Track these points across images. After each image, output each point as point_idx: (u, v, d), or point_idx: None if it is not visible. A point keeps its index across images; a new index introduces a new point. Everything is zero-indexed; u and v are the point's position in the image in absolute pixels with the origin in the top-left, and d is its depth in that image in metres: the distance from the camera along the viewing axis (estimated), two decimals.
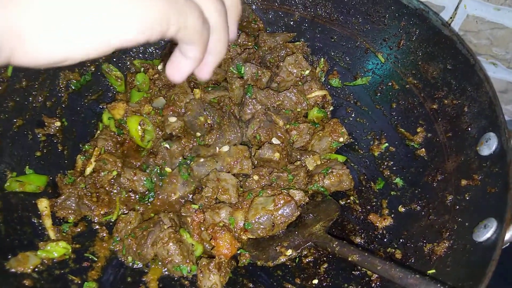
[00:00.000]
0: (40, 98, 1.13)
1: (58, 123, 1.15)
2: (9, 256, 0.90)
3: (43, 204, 1.03)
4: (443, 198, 0.95)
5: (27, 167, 1.06)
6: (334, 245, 0.89)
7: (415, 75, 1.14)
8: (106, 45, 0.48)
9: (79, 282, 0.95)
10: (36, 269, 0.92)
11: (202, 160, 1.15)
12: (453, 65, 1.04)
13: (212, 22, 0.58)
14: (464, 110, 0.99)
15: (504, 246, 0.74)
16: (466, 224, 0.85)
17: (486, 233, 0.77)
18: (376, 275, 0.95)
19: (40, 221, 1.02)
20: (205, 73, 0.66)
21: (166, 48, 1.34)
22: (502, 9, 1.22)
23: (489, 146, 0.89)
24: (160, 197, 1.15)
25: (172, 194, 1.15)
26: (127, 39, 0.48)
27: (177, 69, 0.61)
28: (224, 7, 0.59)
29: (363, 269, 0.98)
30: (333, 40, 1.31)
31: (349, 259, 0.84)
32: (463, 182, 0.92)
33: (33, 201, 1.03)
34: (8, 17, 0.43)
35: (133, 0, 0.47)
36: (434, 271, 0.85)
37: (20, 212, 0.99)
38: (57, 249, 0.97)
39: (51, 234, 1.01)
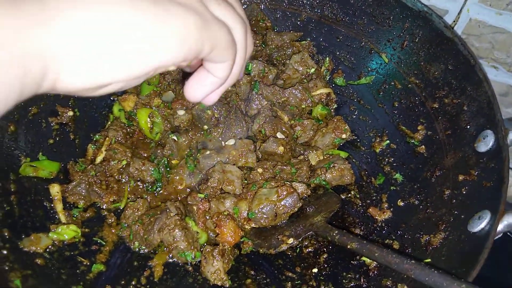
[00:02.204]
0: None
1: (70, 113, 1.19)
2: (23, 236, 0.93)
3: (55, 189, 1.07)
4: (441, 192, 0.98)
5: (40, 153, 1.10)
6: (334, 234, 0.93)
7: (417, 75, 1.18)
8: (149, 68, 0.48)
9: (88, 264, 0.99)
10: (48, 250, 0.96)
11: (208, 152, 1.19)
12: (454, 66, 1.08)
13: (234, 36, 0.57)
14: (463, 109, 1.03)
15: (496, 237, 0.77)
16: (462, 216, 0.88)
17: (480, 224, 0.80)
18: (374, 264, 0.98)
19: (52, 205, 1.05)
20: (213, 98, 0.65)
21: None
22: (504, 13, 1.25)
23: (486, 143, 0.92)
24: (167, 187, 1.19)
25: (179, 185, 1.19)
26: (168, 61, 0.48)
27: (201, 87, 0.60)
28: (244, 23, 0.59)
29: (361, 259, 1.01)
30: (338, 40, 1.35)
31: (348, 246, 0.87)
32: (461, 177, 0.95)
33: (46, 186, 1.07)
34: (47, 43, 0.42)
35: (172, 20, 0.47)
36: (429, 260, 0.88)
37: (33, 196, 1.03)
38: (67, 232, 1.00)
39: (62, 217, 1.04)
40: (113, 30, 0.44)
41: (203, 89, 0.60)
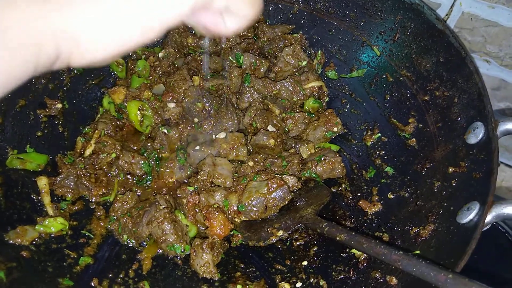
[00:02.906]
0: (43, 80, 1.15)
1: (59, 105, 1.18)
2: (8, 229, 0.92)
3: (43, 182, 1.06)
4: (431, 185, 0.98)
5: (28, 146, 1.09)
6: (323, 226, 0.92)
7: (408, 67, 1.17)
8: (163, 22, 0.49)
9: (75, 256, 0.98)
10: (34, 242, 0.95)
11: (198, 145, 1.18)
12: (445, 58, 1.07)
13: None
14: (454, 101, 1.02)
15: (485, 228, 0.77)
16: (451, 208, 0.88)
17: (468, 215, 0.80)
18: (363, 257, 0.98)
19: (39, 197, 1.04)
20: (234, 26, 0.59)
21: (167, 36, 1.37)
22: (496, 7, 1.25)
23: (476, 134, 0.91)
24: (157, 180, 1.18)
25: (169, 178, 1.18)
26: (181, 13, 0.49)
27: (220, 25, 0.56)
28: None
29: (350, 251, 1.01)
30: (330, 33, 1.34)
31: (337, 238, 0.87)
32: (451, 169, 0.95)
33: (33, 179, 1.06)
34: (64, 20, 0.45)
35: None
36: (419, 252, 0.88)
37: (20, 188, 1.02)
38: (54, 225, 1.00)
39: (50, 210, 1.03)
40: None
41: (224, 27, 0.57)
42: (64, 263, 0.95)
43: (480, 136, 0.90)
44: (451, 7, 1.32)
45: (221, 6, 0.53)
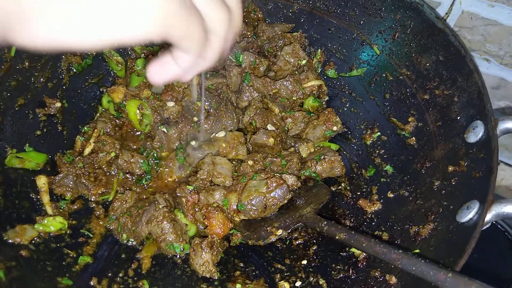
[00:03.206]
0: (42, 79, 1.15)
1: (58, 104, 1.18)
2: (8, 228, 0.92)
3: (42, 181, 1.06)
4: (431, 183, 0.97)
5: (27, 144, 1.09)
6: (322, 225, 0.92)
7: (408, 66, 1.17)
8: (110, 39, 0.45)
9: (75, 256, 0.98)
10: (33, 241, 0.95)
11: (198, 144, 1.18)
12: (445, 57, 1.07)
13: (212, 30, 0.55)
14: (454, 100, 1.02)
15: (484, 227, 0.77)
16: (451, 207, 0.88)
17: (468, 214, 0.80)
18: (363, 256, 0.97)
19: (38, 197, 1.04)
20: (187, 77, 0.61)
21: None
22: (496, 5, 1.25)
23: (476, 133, 0.91)
24: (157, 180, 1.18)
25: (168, 177, 1.18)
26: (134, 35, 0.45)
27: (162, 72, 0.58)
28: (229, 16, 0.56)
29: (350, 250, 1.01)
30: (330, 32, 1.33)
31: (337, 237, 0.86)
32: (450, 168, 0.94)
33: (32, 178, 1.05)
34: None
35: None
36: (418, 251, 0.88)
37: (19, 187, 1.02)
38: (53, 224, 0.99)
39: (49, 209, 1.03)
40: None
41: (163, 76, 0.58)
42: (63, 262, 0.95)
43: (480, 135, 0.90)
44: (451, 5, 1.31)
45: (173, 41, 0.50)
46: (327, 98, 1.32)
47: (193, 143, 1.19)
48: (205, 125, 1.21)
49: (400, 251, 0.74)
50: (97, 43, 0.45)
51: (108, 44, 0.46)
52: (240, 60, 1.30)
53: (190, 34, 0.50)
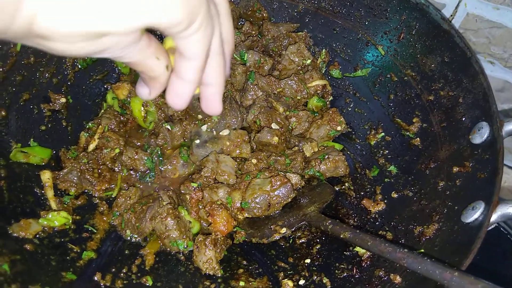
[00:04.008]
0: (47, 74, 1.15)
1: (63, 100, 1.17)
2: (12, 222, 0.92)
3: (46, 176, 1.06)
4: (435, 184, 0.98)
5: (32, 139, 1.08)
6: (327, 224, 0.92)
7: (413, 67, 1.17)
8: (140, 23, 0.46)
9: (78, 251, 0.98)
10: (37, 236, 0.94)
11: (202, 143, 1.18)
12: (450, 58, 1.07)
13: (212, 47, 0.57)
14: (459, 101, 1.02)
15: (490, 228, 0.77)
16: (456, 207, 0.88)
17: (473, 214, 0.80)
18: (367, 255, 0.98)
19: (42, 191, 1.04)
20: (214, 107, 0.63)
21: None
22: (502, 8, 1.25)
23: (481, 134, 0.92)
24: (160, 177, 1.18)
25: (172, 175, 1.18)
26: (163, 21, 0.46)
27: (177, 94, 0.59)
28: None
29: (354, 249, 1.01)
30: (335, 32, 1.34)
31: (341, 236, 0.87)
32: (455, 169, 0.95)
33: (37, 172, 1.05)
34: None
35: None
36: (422, 250, 0.88)
37: (23, 182, 1.01)
38: (58, 218, 0.99)
39: (53, 204, 1.03)
40: None
41: (180, 95, 0.59)
42: (67, 257, 0.95)
43: (485, 136, 0.90)
44: (456, 8, 1.32)
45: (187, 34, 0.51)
46: (331, 98, 1.33)
47: (197, 141, 1.19)
48: (209, 123, 1.21)
49: (405, 250, 0.74)
50: (121, 29, 0.45)
51: (133, 29, 0.46)
52: (245, 59, 1.30)
53: (203, 30, 0.52)
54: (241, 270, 1.02)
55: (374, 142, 1.22)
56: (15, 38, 0.43)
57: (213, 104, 0.64)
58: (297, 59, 1.30)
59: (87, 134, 1.18)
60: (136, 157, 1.16)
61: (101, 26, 0.44)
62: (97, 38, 0.46)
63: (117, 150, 1.16)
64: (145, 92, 0.61)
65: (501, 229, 1.23)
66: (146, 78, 0.59)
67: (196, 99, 1.21)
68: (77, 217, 1.05)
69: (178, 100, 0.59)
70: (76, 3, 0.41)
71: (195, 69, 0.56)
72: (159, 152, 1.19)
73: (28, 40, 0.44)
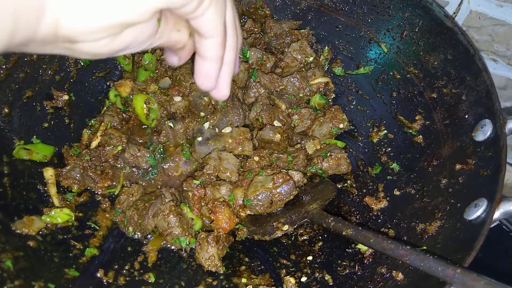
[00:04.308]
0: (50, 71, 1.15)
1: (66, 97, 1.18)
2: (15, 218, 0.92)
3: (49, 173, 1.06)
4: (438, 181, 0.98)
5: (35, 136, 1.09)
6: (329, 221, 0.92)
7: (416, 65, 1.17)
8: (156, 5, 0.47)
9: (81, 247, 0.98)
10: (40, 233, 0.95)
11: (204, 140, 1.18)
12: (453, 55, 1.07)
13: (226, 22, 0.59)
14: (462, 99, 1.02)
15: (492, 225, 0.77)
16: (458, 205, 0.88)
17: (476, 211, 0.80)
18: (369, 252, 0.98)
19: (45, 188, 1.04)
20: (224, 90, 0.64)
21: None
22: (505, 5, 1.25)
23: (484, 132, 0.91)
24: (163, 174, 1.18)
25: (174, 172, 1.18)
26: (176, 1, 0.48)
27: (205, 76, 0.60)
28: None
29: (356, 246, 1.01)
30: (337, 29, 1.34)
31: (343, 233, 0.87)
32: (458, 166, 0.94)
33: (39, 169, 1.06)
34: None
35: None
36: (425, 248, 0.88)
37: (26, 179, 1.02)
38: (61, 215, 1.00)
39: (56, 201, 1.03)
40: None
41: (208, 75, 0.60)
42: (70, 254, 0.95)
43: (488, 133, 0.90)
44: (459, 5, 1.31)
45: (190, 10, 0.52)
46: (333, 95, 1.32)
47: (199, 138, 1.19)
48: (212, 121, 1.21)
49: (408, 247, 0.74)
50: (139, 15, 0.46)
51: (150, 14, 0.47)
52: (247, 56, 1.30)
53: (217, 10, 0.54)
54: (243, 267, 1.02)
55: (376, 139, 1.21)
56: (43, 46, 0.44)
57: (223, 84, 0.64)
58: (299, 57, 1.30)
59: (90, 131, 1.19)
60: (138, 154, 1.16)
61: (118, 15, 0.45)
62: (119, 32, 0.47)
63: (119, 147, 1.16)
64: (174, 60, 0.63)
65: (504, 226, 1.23)
66: (173, 49, 0.60)
67: (198, 98, 1.21)
68: (80, 214, 1.05)
69: (207, 81, 0.61)
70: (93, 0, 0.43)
71: (216, 45, 0.57)
72: (161, 149, 1.19)
73: (56, 46, 0.45)
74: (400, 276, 0.86)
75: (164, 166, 1.18)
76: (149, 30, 0.50)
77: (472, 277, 0.64)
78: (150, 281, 0.97)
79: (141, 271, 0.99)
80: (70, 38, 0.44)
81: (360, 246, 1.00)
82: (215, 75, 0.61)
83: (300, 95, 1.27)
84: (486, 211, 0.78)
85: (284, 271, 1.01)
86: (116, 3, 0.44)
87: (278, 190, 1.05)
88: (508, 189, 1.53)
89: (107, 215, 1.08)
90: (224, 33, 0.58)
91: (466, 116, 0.99)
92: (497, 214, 0.77)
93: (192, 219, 1.08)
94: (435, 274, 0.68)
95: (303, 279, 0.98)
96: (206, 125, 1.22)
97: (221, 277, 1.00)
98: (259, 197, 1.06)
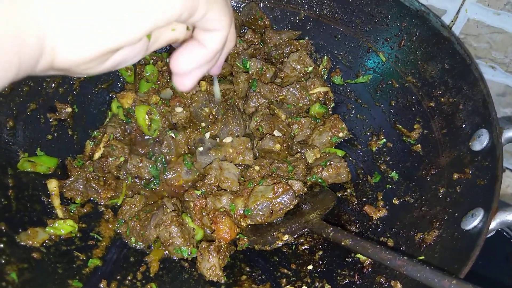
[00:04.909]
0: (53, 84, 1.17)
1: (69, 109, 1.20)
2: (20, 230, 0.94)
3: (53, 185, 1.08)
4: (436, 191, 0.98)
5: (39, 149, 1.11)
6: (328, 231, 0.93)
7: (414, 74, 1.18)
8: (147, 27, 0.47)
9: (84, 258, 1.00)
10: (44, 244, 0.96)
11: (205, 150, 1.20)
12: (451, 65, 1.08)
13: None
14: (459, 108, 1.03)
15: (489, 235, 0.78)
16: (456, 214, 0.89)
17: (473, 221, 0.81)
18: (368, 262, 0.98)
19: (49, 200, 1.06)
20: (189, 83, 0.60)
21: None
22: (502, 13, 1.26)
23: (481, 141, 0.92)
24: (165, 184, 1.20)
25: (176, 182, 1.20)
26: (165, 17, 0.47)
27: (189, 57, 0.56)
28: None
29: (356, 256, 1.02)
30: (336, 39, 1.35)
31: (342, 243, 0.88)
32: (455, 175, 0.95)
33: (43, 181, 1.07)
34: (46, 9, 0.42)
35: None
36: (423, 257, 0.89)
37: (30, 191, 1.04)
38: (64, 227, 1.01)
39: (59, 212, 1.05)
40: None
41: (190, 60, 0.56)
42: (74, 265, 0.97)
43: (485, 143, 0.91)
44: (457, 13, 1.32)
45: (200, 17, 0.52)
46: (333, 104, 1.34)
47: (200, 148, 1.21)
48: (212, 131, 1.23)
49: (405, 257, 0.75)
50: (131, 38, 0.47)
51: (142, 34, 0.47)
52: (247, 67, 1.31)
53: (214, 7, 0.52)
54: (244, 277, 1.04)
55: (375, 148, 1.23)
56: (35, 74, 0.47)
57: (190, 77, 0.60)
58: (299, 67, 1.31)
59: (93, 142, 1.21)
60: (140, 165, 1.18)
61: (110, 43, 0.46)
62: (111, 55, 0.48)
63: (122, 158, 1.18)
64: (184, 85, 0.61)
65: (504, 233, 1.23)
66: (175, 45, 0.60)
67: (199, 108, 1.23)
68: (83, 225, 1.07)
69: (186, 65, 0.57)
70: (84, 30, 0.44)
71: (222, 38, 0.56)
72: (163, 159, 1.21)
73: (47, 72, 0.48)
74: (398, 285, 0.87)
75: (166, 176, 1.20)
76: (139, 46, 0.51)
77: None
78: None
79: (143, 281, 1.00)
80: (64, 68, 0.47)
81: (359, 255, 1.01)
82: (199, 64, 0.57)
83: (300, 104, 1.29)
84: (483, 221, 0.79)
85: (284, 280, 1.02)
86: (109, 32, 0.45)
87: (278, 200, 1.07)
88: (509, 196, 1.53)
89: (110, 226, 1.10)
90: (229, 28, 0.56)
91: (464, 125, 1.00)
92: (493, 224, 0.78)
93: (194, 229, 1.09)
94: (432, 285, 0.69)
95: None
96: (207, 135, 1.24)
97: (223, 287, 1.01)
98: (259, 207, 1.07)
